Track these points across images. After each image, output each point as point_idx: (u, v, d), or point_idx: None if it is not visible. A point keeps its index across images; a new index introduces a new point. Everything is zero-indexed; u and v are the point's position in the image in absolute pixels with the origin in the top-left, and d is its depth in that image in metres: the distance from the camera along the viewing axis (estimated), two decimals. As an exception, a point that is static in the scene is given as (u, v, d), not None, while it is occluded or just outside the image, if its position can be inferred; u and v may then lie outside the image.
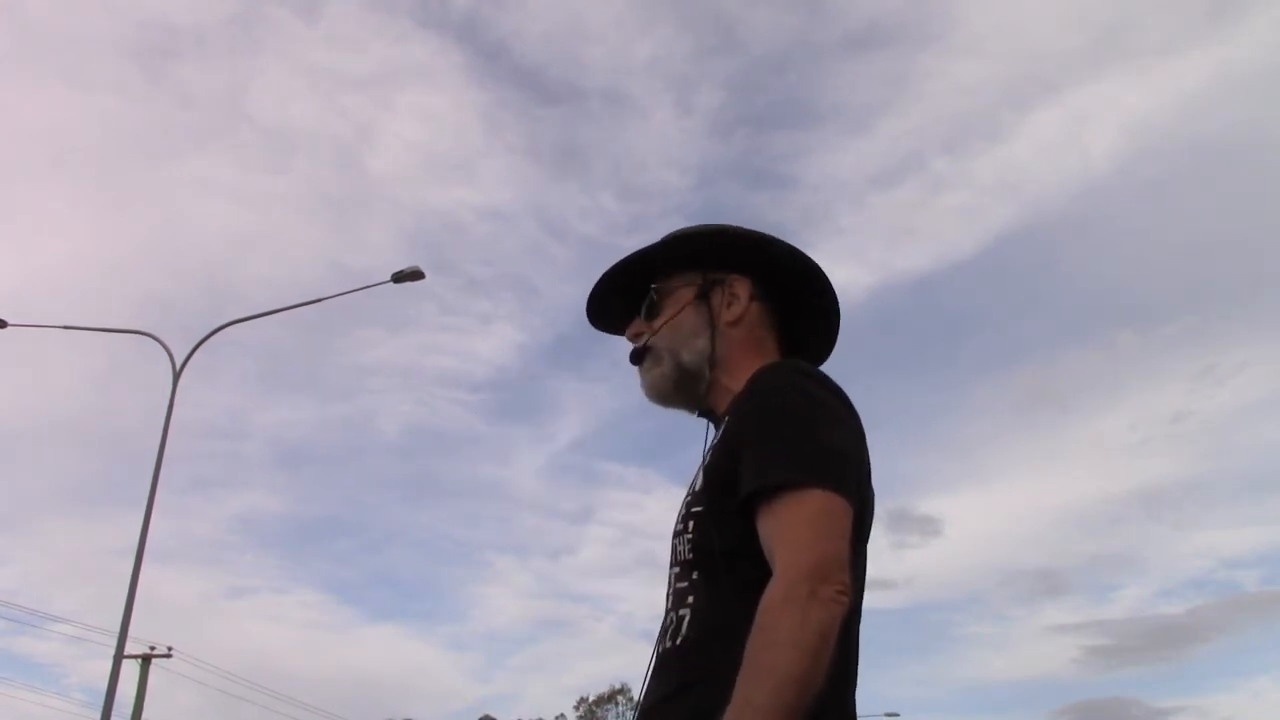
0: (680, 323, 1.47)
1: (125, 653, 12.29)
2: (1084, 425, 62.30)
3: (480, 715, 37.25)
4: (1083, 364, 61.52)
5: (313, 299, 14.24)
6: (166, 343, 13.51)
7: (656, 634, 1.32)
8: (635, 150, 54.98)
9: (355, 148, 47.27)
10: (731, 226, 1.49)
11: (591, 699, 39.21)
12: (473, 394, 54.54)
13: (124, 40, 41.57)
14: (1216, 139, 56.53)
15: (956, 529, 58.21)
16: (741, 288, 1.47)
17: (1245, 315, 59.15)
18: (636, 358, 1.51)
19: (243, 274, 42.61)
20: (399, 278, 13.93)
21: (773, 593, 1.08)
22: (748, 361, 1.43)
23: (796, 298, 1.52)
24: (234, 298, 42.97)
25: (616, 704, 38.68)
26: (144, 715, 19.09)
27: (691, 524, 1.28)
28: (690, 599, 1.25)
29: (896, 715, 28.39)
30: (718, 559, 1.23)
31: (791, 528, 1.13)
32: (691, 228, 1.52)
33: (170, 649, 19.94)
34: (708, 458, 1.33)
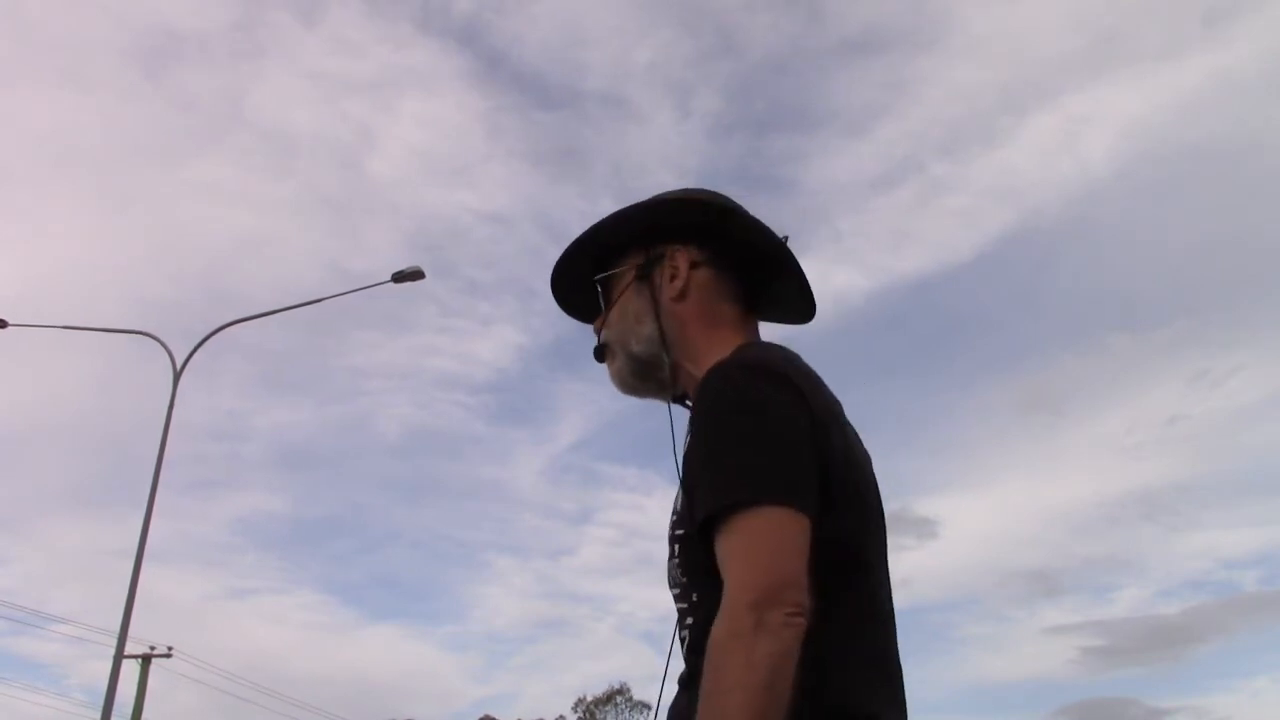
0: (624, 310, 1.39)
1: (125, 653, 12.29)
2: (1080, 427, 62.40)
3: (480, 715, 37.28)
4: (1079, 366, 61.55)
5: (313, 299, 14.28)
6: (167, 343, 13.56)
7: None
8: (634, 154, 55.02)
9: (356, 151, 47.34)
10: (664, 195, 1.40)
11: (590, 699, 39.22)
12: (473, 396, 54.66)
13: (126, 44, 41.64)
14: (1212, 143, 56.64)
15: (954, 530, 58.21)
16: (681, 258, 1.37)
17: (1240, 318, 59.36)
18: (599, 355, 1.43)
19: (244, 277, 42.63)
20: (399, 278, 13.92)
21: (717, 630, 1.03)
22: (706, 338, 1.35)
23: (754, 256, 1.40)
24: (235, 300, 43.13)
25: (615, 704, 38.68)
26: (144, 715, 19.12)
27: (678, 548, 1.26)
28: (690, 620, 1.23)
29: (895, 716, 28.31)
30: (715, 579, 1.16)
31: (734, 555, 1.07)
32: (624, 208, 1.42)
33: (170, 649, 19.96)
34: (681, 474, 1.25)
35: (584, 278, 1.46)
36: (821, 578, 1.10)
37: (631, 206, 1.40)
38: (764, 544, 1.06)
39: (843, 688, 1.13)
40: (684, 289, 1.37)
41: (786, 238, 1.41)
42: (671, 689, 1.28)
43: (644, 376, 1.40)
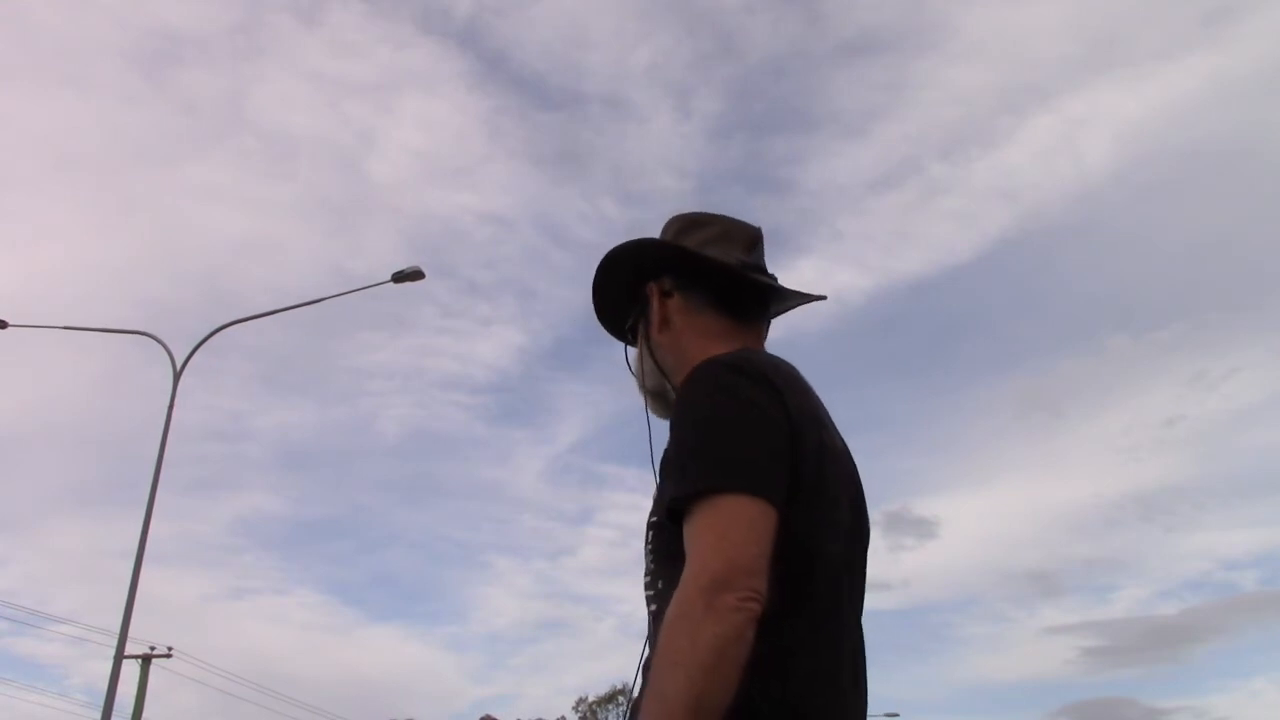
0: (638, 354, 1.51)
1: (125, 653, 12.28)
2: (1078, 428, 62.53)
3: (481, 715, 37.28)
4: (1077, 368, 61.67)
5: (313, 299, 14.25)
6: (167, 343, 13.54)
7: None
8: (635, 155, 55.15)
9: (357, 153, 47.44)
10: (628, 242, 1.45)
11: (591, 699, 39.21)
12: (473, 396, 54.69)
13: (128, 46, 41.70)
14: (1210, 145, 56.74)
15: (953, 531, 58.38)
16: (654, 292, 1.46)
17: (1237, 320, 59.45)
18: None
19: (245, 278, 42.68)
20: (399, 277, 13.92)
21: (670, 611, 1.05)
22: (701, 353, 1.37)
23: (712, 272, 1.43)
24: (236, 302, 43.42)
25: (617, 704, 38.65)
26: (144, 715, 19.11)
27: (651, 534, 1.28)
28: (654, 607, 1.25)
29: (896, 715, 28.41)
30: (680, 566, 1.17)
31: (695, 539, 1.09)
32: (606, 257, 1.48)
33: (170, 649, 19.98)
34: (658, 465, 1.30)
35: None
36: (784, 573, 1.11)
37: (597, 271, 1.49)
38: (726, 530, 1.08)
39: (797, 681, 1.13)
40: (664, 319, 1.45)
41: (759, 230, 1.49)
42: None
43: (665, 404, 1.49)
